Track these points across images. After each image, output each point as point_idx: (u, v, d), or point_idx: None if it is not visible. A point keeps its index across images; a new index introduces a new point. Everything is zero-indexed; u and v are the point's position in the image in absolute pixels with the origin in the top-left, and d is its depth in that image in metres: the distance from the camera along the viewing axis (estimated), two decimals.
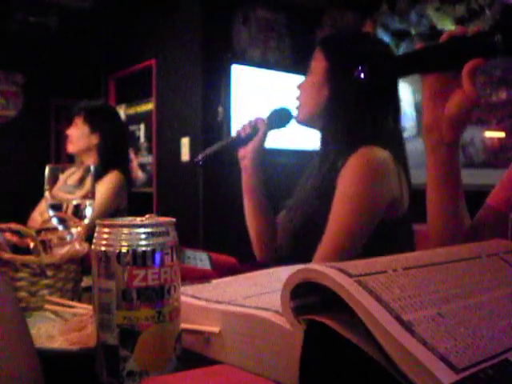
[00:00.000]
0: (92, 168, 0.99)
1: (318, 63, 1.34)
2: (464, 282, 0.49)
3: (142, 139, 4.59)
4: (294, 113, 1.36)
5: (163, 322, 0.51)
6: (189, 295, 0.64)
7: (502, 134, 3.37)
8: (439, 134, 0.81)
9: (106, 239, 0.52)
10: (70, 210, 0.95)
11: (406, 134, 1.50)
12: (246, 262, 1.40)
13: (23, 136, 4.44)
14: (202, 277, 0.92)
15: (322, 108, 1.32)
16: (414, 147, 1.33)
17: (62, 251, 0.84)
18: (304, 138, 3.30)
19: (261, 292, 0.64)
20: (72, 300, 0.79)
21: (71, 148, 2.35)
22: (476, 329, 0.42)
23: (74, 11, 4.38)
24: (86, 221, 0.97)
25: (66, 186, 0.99)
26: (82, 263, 0.86)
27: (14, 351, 0.41)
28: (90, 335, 0.61)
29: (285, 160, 3.51)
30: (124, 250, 0.51)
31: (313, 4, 4.00)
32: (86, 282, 0.89)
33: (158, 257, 0.51)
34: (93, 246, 0.53)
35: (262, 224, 1.40)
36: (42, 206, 2.13)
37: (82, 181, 0.99)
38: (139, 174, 4.56)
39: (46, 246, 0.89)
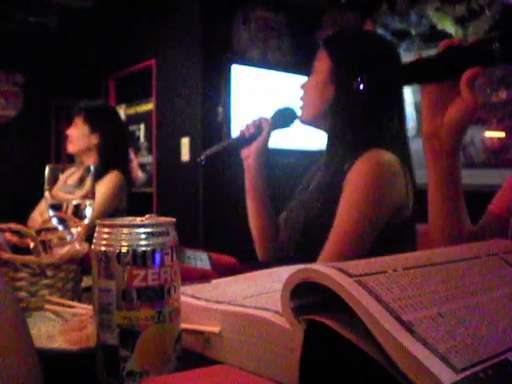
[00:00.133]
0: (92, 168, 0.99)
1: (322, 62, 1.33)
2: (464, 282, 0.49)
3: (142, 139, 4.59)
4: (298, 113, 1.36)
5: (163, 322, 0.51)
6: (189, 295, 0.64)
7: (502, 134, 3.37)
8: (439, 142, 0.81)
9: (105, 239, 0.52)
10: (70, 210, 0.95)
11: None
12: (246, 262, 1.40)
13: (23, 136, 4.45)
14: (202, 277, 0.91)
15: (326, 108, 1.31)
16: (414, 147, 1.33)
17: (62, 251, 0.84)
18: (308, 138, 3.31)
19: (261, 292, 0.64)
20: (72, 300, 0.79)
21: (71, 148, 2.35)
22: (476, 329, 0.42)
23: (74, 11, 4.38)
24: (86, 221, 0.97)
25: (66, 186, 0.99)
26: (82, 263, 0.86)
27: (14, 351, 0.41)
28: (90, 335, 0.61)
29: (288, 160, 3.51)
30: (124, 250, 0.51)
31: (313, 4, 4.00)
32: (86, 282, 0.89)
33: (157, 257, 0.51)
34: (93, 246, 0.53)
35: (264, 224, 1.40)
36: (42, 206, 2.13)
37: (81, 181, 0.99)
38: (139, 174, 4.56)
39: (46, 245, 0.88)
